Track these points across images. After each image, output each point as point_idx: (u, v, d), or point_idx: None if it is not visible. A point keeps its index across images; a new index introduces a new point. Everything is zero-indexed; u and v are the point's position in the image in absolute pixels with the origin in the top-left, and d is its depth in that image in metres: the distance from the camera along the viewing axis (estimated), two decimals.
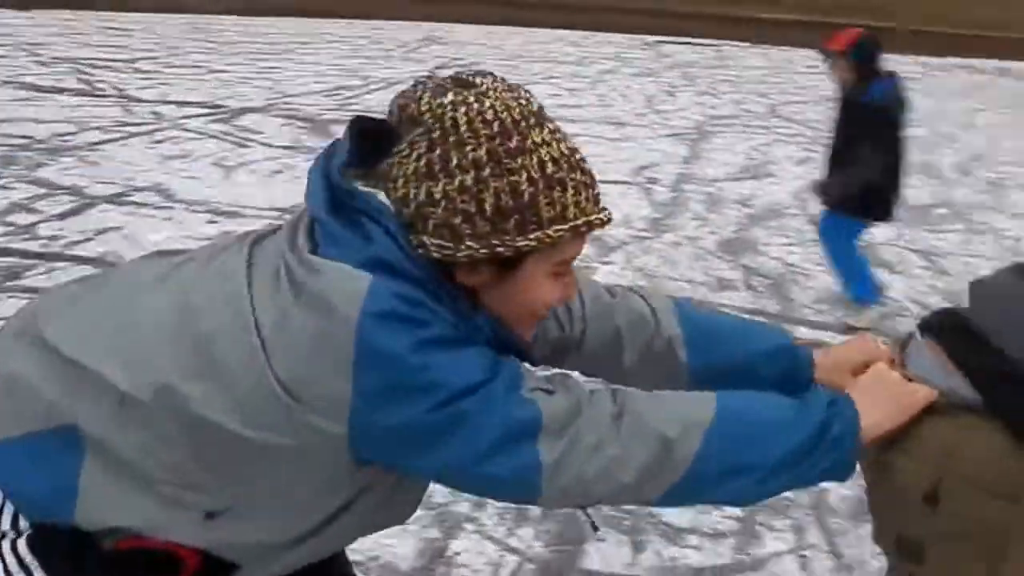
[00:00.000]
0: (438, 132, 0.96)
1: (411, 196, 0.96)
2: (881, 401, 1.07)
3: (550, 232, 0.97)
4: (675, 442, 0.98)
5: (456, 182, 0.95)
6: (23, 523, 1.02)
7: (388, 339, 0.92)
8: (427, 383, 0.94)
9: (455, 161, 0.95)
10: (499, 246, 0.96)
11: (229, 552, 1.05)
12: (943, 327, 1.11)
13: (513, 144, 0.96)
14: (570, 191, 0.98)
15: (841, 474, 1.05)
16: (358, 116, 1.06)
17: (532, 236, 0.97)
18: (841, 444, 1.03)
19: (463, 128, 0.95)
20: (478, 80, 1.00)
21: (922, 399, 1.07)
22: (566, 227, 0.98)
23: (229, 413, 0.95)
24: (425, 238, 0.97)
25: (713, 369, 1.18)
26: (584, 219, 0.99)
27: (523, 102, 0.99)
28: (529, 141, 0.97)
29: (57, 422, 1.00)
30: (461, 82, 0.99)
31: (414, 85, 1.01)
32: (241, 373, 0.95)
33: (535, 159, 0.96)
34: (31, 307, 1.13)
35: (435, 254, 0.97)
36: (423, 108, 0.97)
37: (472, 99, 0.97)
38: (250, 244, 1.04)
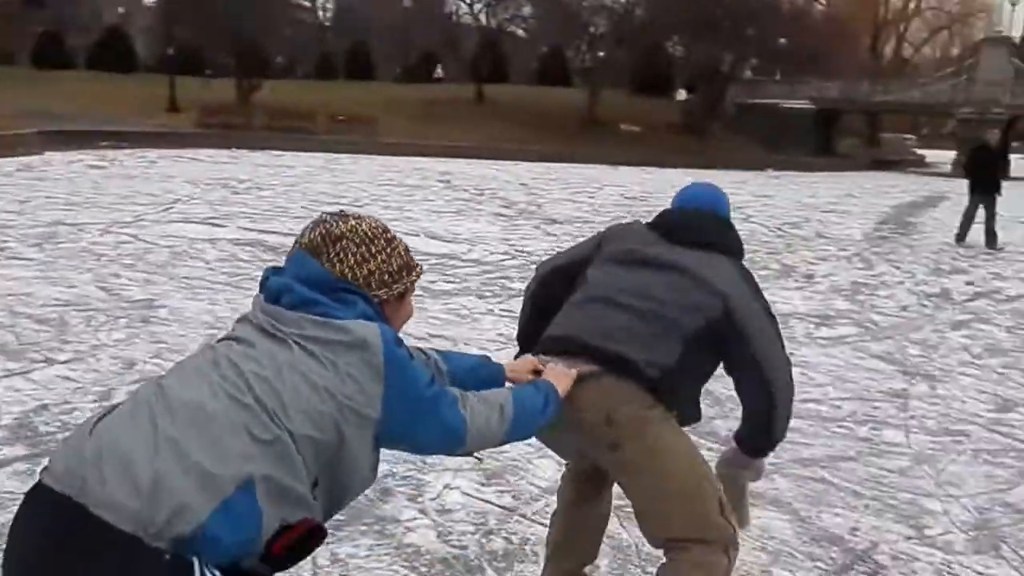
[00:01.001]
0: (357, 239, 1.72)
1: (358, 275, 1.70)
2: (560, 379, 2.07)
3: (414, 276, 1.81)
4: (503, 407, 1.87)
5: (379, 259, 1.73)
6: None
7: (400, 354, 1.64)
8: (419, 374, 1.70)
9: (373, 250, 1.73)
10: (403, 285, 1.78)
11: (321, 516, 1.59)
12: (552, 350, 2.25)
13: (389, 236, 1.78)
14: (412, 257, 1.83)
15: (555, 416, 2.00)
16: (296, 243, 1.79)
17: (410, 278, 1.80)
18: (556, 399, 2.01)
19: (368, 234, 1.74)
20: (354, 213, 1.81)
21: (575, 374, 2.10)
22: (416, 272, 1.82)
23: (326, 432, 1.56)
24: (375, 292, 1.72)
25: (456, 378, 2.05)
26: (419, 269, 1.84)
27: (379, 220, 1.81)
28: (391, 234, 1.79)
29: (240, 480, 1.42)
30: (347, 214, 1.78)
31: (322, 219, 1.76)
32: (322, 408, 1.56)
33: (398, 242, 1.80)
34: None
35: (383, 297, 1.74)
36: (343, 229, 1.72)
37: (362, 220, 1.76)
38: (247, 342, 1.65)
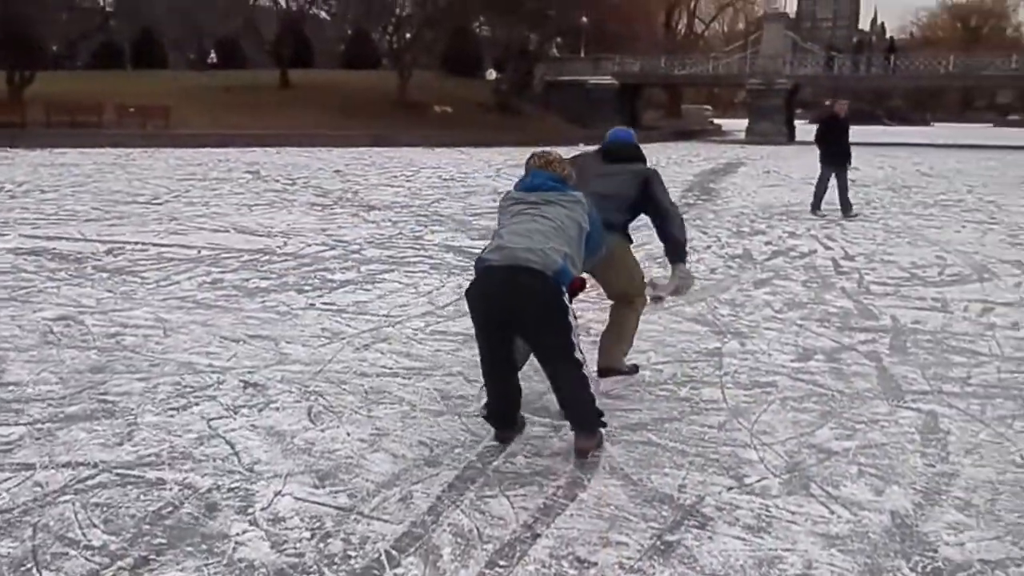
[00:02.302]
0: (558, 161, 4.04)
1: (564, 174, 3.98)
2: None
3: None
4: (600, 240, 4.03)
5: (567, 168, 4.05)
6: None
7: (588, 202, 3.90)
8: (594, 211, 3.95)
9: (565, 165, 4.06)
10: (572, 178, 4.10)
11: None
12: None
13: (566, 158, 4.25)
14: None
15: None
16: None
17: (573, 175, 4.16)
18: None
19: (560, 158, 4.10)
20: (550, 149, 4.16)
21: None
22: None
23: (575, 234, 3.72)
24: (569, 180, 4.03)
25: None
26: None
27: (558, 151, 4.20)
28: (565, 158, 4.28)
29: (562, 253, 3.58)
30: (549, 151, 4.09)
31: (539, 154, 4.05)
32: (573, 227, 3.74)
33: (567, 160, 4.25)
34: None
35: (569, 182, 4.02)
36: (550, 157, 4.02)
37: (553, 153, 4.11)
38: (536, 204, 3.78)
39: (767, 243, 9.84)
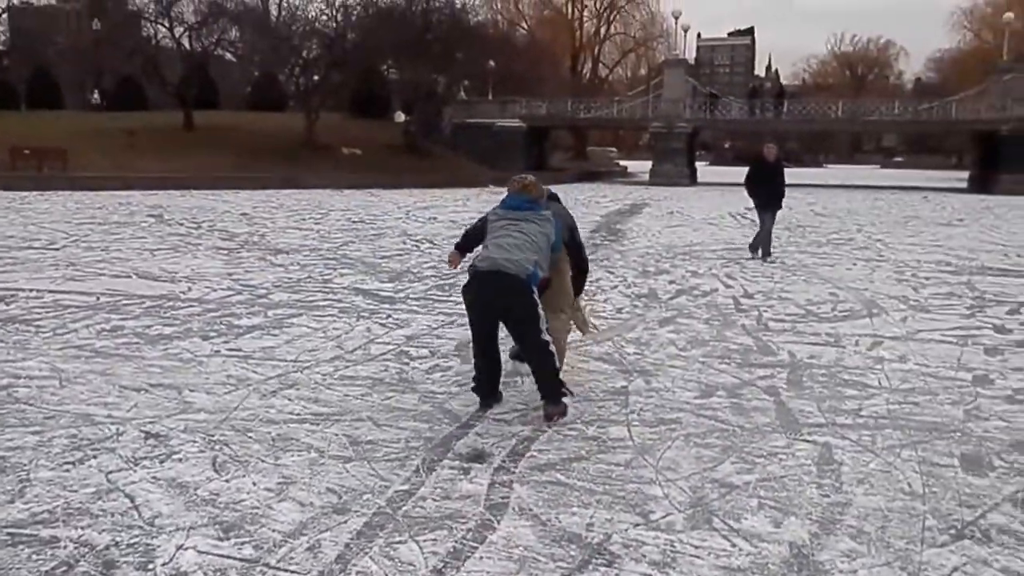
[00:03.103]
0: (533, 185, 5.16)
1: (538, 196, 5.16)
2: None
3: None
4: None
5: (541, 190, 5.26)
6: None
7: (554, 219, 5.12)
8: (558, 225, 5.19)
9: (540, 187, 5.24)
10: (545, 198, 5.45)
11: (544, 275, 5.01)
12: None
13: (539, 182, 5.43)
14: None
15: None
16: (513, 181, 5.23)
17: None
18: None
19: (535, 181, 5.23)
20: (527, 175, 5.37)
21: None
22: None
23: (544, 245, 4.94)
24: (541, 201, 5.22)
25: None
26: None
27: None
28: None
29: (533, 261, 4.82)
30: (526, 175, 5.29)
31: (517, 179, 5.19)
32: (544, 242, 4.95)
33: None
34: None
35: (541, 202, 5.24)
36: (527, 181, 5.16)
37: (529, 176, 5.30)
38: (516, 221, 4.96)
39: (671, 282, 10.10)
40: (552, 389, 4.79)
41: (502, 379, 5.16)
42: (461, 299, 5.17)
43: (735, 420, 4.84)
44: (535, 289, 4.79)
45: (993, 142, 38.75)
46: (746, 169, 12.92)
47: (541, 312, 4.80)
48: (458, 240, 5.51)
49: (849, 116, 45.43)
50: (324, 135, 36.05)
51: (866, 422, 4.83)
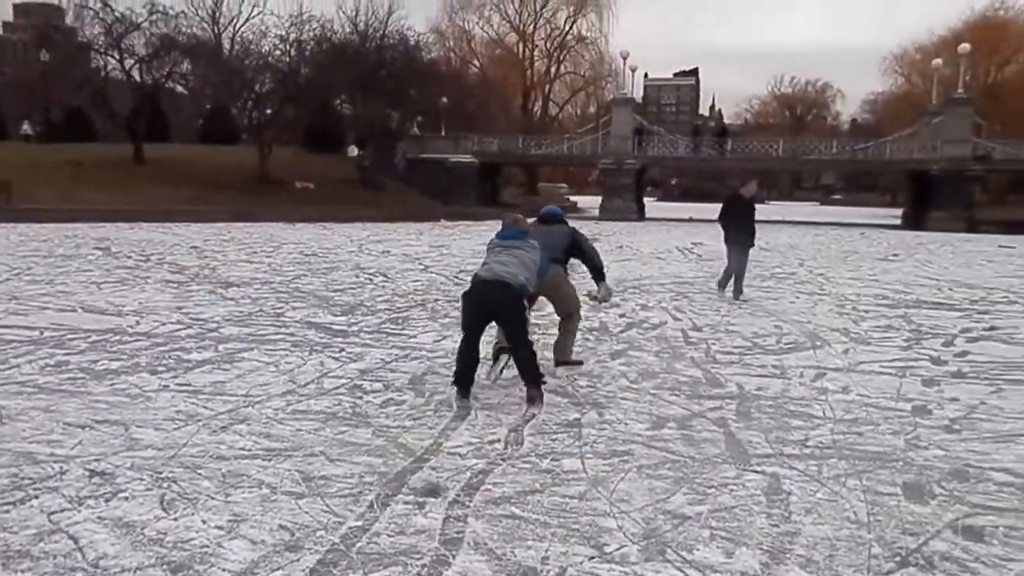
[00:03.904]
0: (522, 221, 6.59)
1: (526, 229, 6.58)
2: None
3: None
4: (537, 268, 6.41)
5: (528, 224, 6.81)
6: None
7: (540, 249, 6.40)
8: (542, 254, 6.48)
9: (528, 223, 6.79)
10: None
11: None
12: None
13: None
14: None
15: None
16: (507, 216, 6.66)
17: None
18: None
19: (524, 218, 6.71)
20: (517, 214, 6.87)
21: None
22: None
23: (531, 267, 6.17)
24: (528, 233, 6.61)
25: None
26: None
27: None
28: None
29: (524, 276, 6.04)
30: (517, 214, 6.80)
31: (509, 216, 6.66)
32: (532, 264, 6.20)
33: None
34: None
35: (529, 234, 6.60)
36: (516, 216, 6.66)
37: (518, 213, 6.94)
38: (508, 248, 6.20)
39: (621, 315, 10.17)
40: (533, 376, 5.92)
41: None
42: (458, 305, 6.39)
43: (686, 451, 4.85)
44: (525, 297, 6.05)
45: (924, 181, 40.03)
46: (717, 205, 12.46)
47: (529, 315, 6.19)
48: None
49: (790, 155, 46.58)
50: (277, 169, 35.82)
51: (812, 452, 4.89)
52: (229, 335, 8.22)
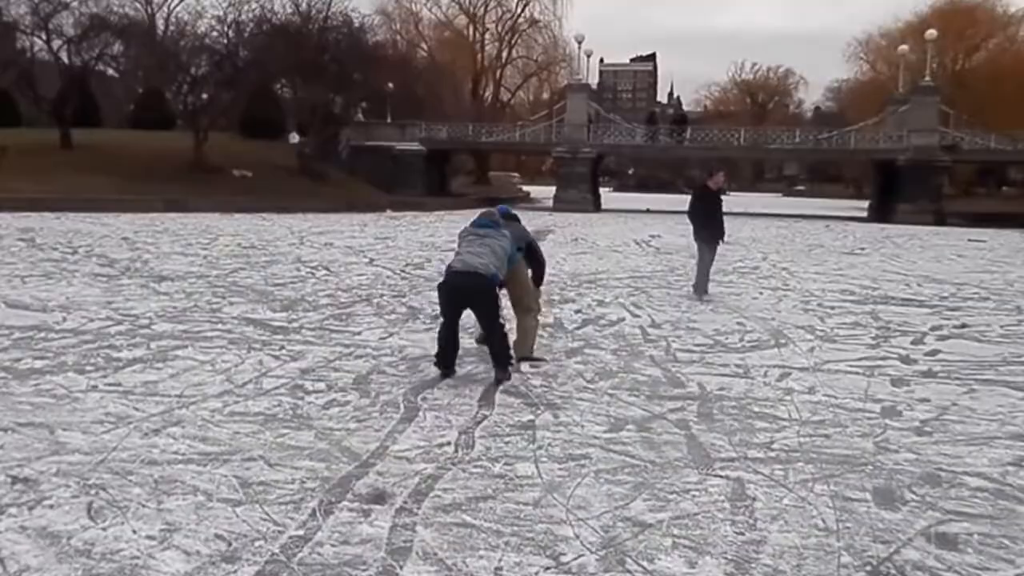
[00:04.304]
0: (496, 213, 7.26)
1: (499, 220, 7.15)
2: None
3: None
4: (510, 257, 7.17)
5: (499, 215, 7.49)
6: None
7: (510, 238, 7.01)
8: (512, 243, 7.07)
9: (499, 216, 7.38)
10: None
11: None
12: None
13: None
14: None
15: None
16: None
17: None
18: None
19: (496, 211, 7.38)
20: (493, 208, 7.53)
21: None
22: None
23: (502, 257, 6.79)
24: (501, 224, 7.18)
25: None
26: None
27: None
28: None
29: (494, 267, 6.69)
30: (491, 208, 7.38)
31: (485, 211, 7.24)
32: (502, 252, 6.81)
33: None
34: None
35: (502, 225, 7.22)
36: (491, 210, 7.30)
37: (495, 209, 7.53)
38: (482, 237, 6.80)
39: (577, 311, 10.18)
40: (503, 359, 6.58)
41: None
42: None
43: (646, 455, 4.86)
44: (496, 285, 6.65)
45: (891, 172, 40.81)
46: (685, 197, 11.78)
47: (500, 301, 6.78)
48: None
49: (751, 144, 47.19)
50: (214, 156, 35.27)
51: (778, 455, 4.93)
52: (162, 332, 8.05)
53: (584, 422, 5.50)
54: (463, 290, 6.53)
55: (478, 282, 6.47)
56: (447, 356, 6.71)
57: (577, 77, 49.26)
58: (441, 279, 6.81)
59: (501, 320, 6.66)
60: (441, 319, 6.81)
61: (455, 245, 6.94)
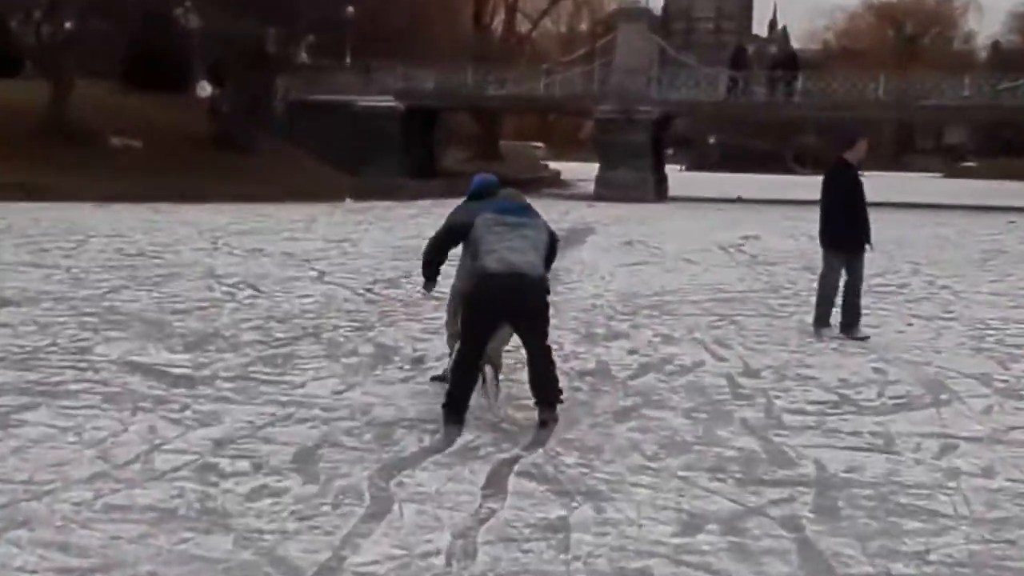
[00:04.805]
0: (522, 193, 8.46)
1: (527, 203, 8.17)
2: None
3: None
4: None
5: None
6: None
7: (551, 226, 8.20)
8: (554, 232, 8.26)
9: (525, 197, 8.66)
10: None
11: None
12: None
13: None
14: None
15: None
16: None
17: None
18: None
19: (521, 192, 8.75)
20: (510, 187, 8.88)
21: None
22: None
23: (542, 249, 7.65)
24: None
25: None
26: None
27: None
28: None
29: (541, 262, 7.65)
30: (507, 186, 8.74)
31: (504, 189, 8.39)
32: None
33: None
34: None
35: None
36: (513, 191, 8.45)
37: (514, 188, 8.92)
38: (516, 227, 7.54)
39: (632, 352, 10.20)
40: (551, 395, 7.21)
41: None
42: (461, 306, 7.59)
43: (737, 570, 4.85)
44: (548, 294, 7.41)
45: None
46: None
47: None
48: (425, 259, 8.33)
49: (895, 98, 47.05)
50: (83, 116, 35.56)
51: (937, 571, 4.91)
52: (1, 384, 8.11)
53: (642, 520, 5.50)
54: (511, 301, 7.10)
55: (531, 286, 7.11)
56: (464, 396, 7.14)
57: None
58: (473, 284, 7.34)
59: (549, 338, 7.44)
60: (462, 345, 7.27)
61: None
